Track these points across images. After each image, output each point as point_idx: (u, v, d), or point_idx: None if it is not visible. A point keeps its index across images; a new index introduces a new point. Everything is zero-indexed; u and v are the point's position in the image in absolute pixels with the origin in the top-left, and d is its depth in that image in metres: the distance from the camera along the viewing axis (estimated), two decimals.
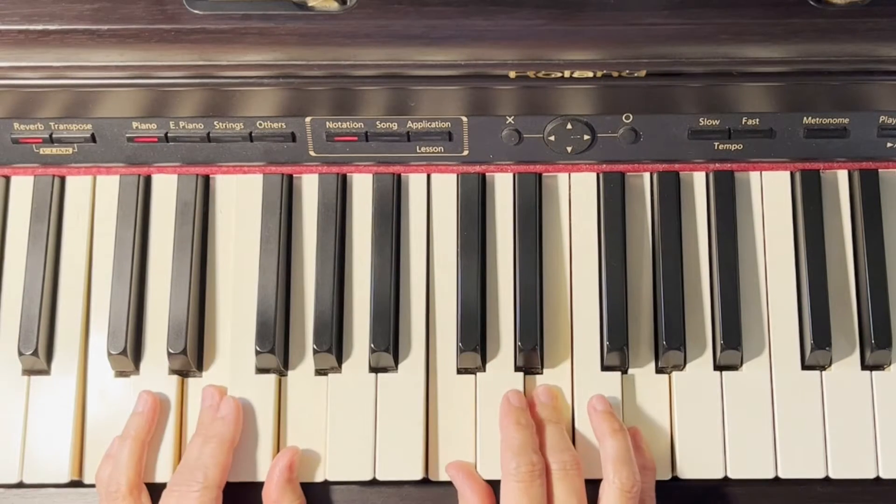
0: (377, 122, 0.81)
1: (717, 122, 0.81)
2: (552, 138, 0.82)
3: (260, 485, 0.78)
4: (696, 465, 0.79)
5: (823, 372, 0.80)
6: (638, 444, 0.78)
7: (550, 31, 0.73)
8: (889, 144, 0.82)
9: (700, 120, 0.81)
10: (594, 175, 0.84)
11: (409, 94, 0.79)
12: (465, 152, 0.83)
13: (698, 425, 0.79)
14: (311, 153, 0.83)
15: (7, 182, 0.84)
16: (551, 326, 0.81)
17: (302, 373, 0.81)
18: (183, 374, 0.82)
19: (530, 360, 0.80)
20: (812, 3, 0.72)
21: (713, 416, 0.79)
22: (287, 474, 0.77)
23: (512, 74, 0.76)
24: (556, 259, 0.83)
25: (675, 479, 0.79)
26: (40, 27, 0.73)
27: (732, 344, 0.79)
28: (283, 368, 0.81)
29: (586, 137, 0.82)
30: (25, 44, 0.73)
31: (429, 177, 0.84)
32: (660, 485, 0.79)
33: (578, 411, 0.80)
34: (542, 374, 0.81)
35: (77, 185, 0.84)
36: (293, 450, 0.78)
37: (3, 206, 0.84)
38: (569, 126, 0.81)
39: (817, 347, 0.79)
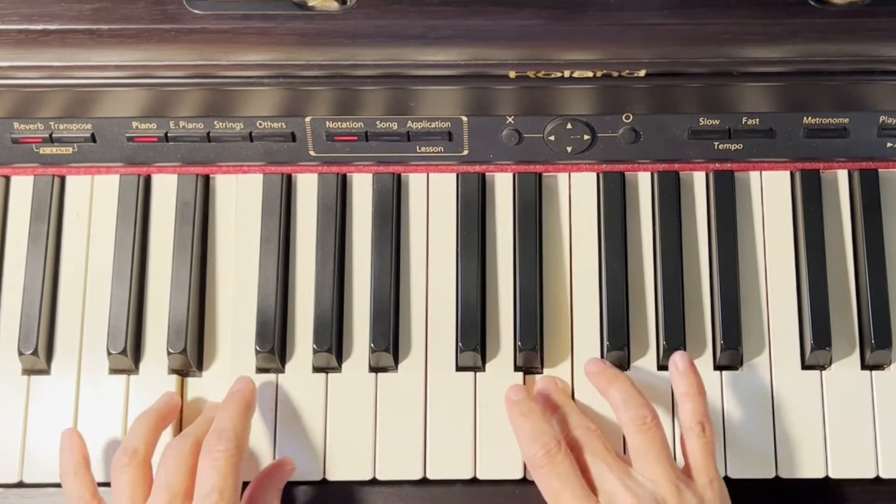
0: (377, 122, 0.81)
1: (717, 122, 0.81)
2: (552, 138, 0.82)
3: None
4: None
5: (823, 372, 0.80)
6: (681, 371, 0.77)
7: (550, 31, 0.73)
8: (889, 144, 0.82)
9: (700, 120, 0.81)
10: (594, 175, 0.84)
11: (409, 94, 0.79)
12: (465, 152, 0.83)
13: None
14: (311, 153, 0.83)
15: (7, 182, 0.84)
16: (551, 326, 0.81)
17: (302, 373, 0.81)
18: (182, 373, 0.82)
19: (530, 360, 0.80)
20: (812, 3, 0.72)
21: (713, 415, 0.79)
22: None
23: (512, 74, 0.76)
24: (556, 259, 0.83)
25: None
26: (40, 27, 0.73)
27: (732, 344, 0.79)
28: (282, 368, 0.81)
29: (586, 137, 0.82)
30: (25, 44, 0.73)
31: (429, 177, 0.84)
32: None
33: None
34: (542, 373, 0.81)
35: (77, 185, 0.84)
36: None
37: (3, 206, 0.84)
38: (569, 126, 0.81)
39: (817, 347, 0.79)
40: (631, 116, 0.81)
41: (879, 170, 0.83)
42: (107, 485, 0.77)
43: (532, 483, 0.79)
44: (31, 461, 0.80)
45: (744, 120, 0.81)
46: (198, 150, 0.83)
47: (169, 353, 0.80)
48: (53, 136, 0.82)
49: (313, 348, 0.80)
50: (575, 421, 0.76)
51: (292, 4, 0.73)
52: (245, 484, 0.78)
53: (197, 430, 0.76)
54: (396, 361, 0.81)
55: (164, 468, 0.73)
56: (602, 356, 0.80)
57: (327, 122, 0.81)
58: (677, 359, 0.77)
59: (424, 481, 0.79)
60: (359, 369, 0.81)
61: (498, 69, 0.75)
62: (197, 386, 0.81)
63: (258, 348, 0.80)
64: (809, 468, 0.78)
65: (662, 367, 0.81)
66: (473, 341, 0.80)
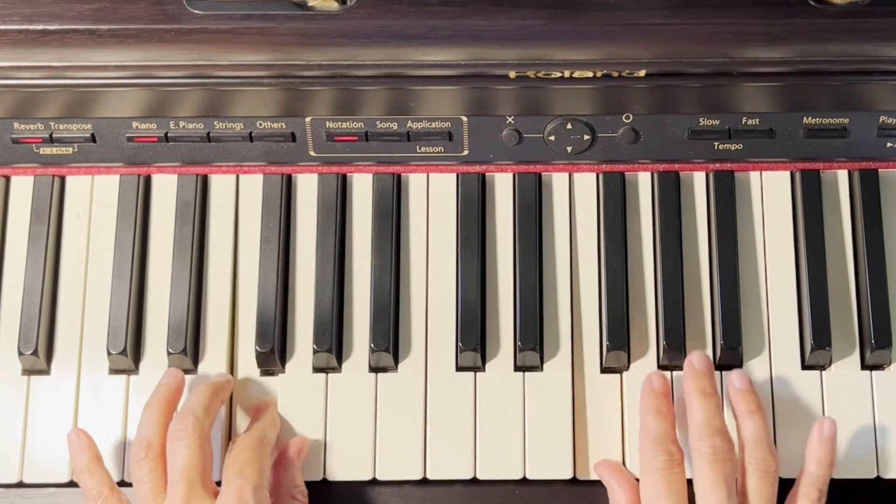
0: (377, 122, 0.81)
1: (717, 122, 0.81)
2: (552, 138, 0.82)
3: None
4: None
5: (823, 372, 0.80)
6: (825, 437, 0.76)
7: (550, 31, 0.73)
8: (889, 144, 0.82)
9: (700, 120, 0.81)
10: (594, 175, 0.84)
11: (409, 94, 0.79)
12: (465, 152, 0.83)
13: None
14: (311, 153, 0.83)
15: (7, 182, 0.84)
16: (551, 326, 0.81)
17: (302, 373, 0.81)
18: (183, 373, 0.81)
19: (530, 359, 0.80)
20: (812, 3, 0.72)
21: None
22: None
23: (512, 74, 0.76)
24: (556, 259, 0.83)
25: None
26: (40, 27, 0.73)
27: (732, 344, 0.79)
28: (283, 368, 0.81)
29: (586, 137, 0.82)
30: (25, 44, 0.73)
31: (429, 177, 0.84)
32: None
33: (589, 411, 0.80)
34: (542, 372, 0.81)
35: (77, 185, 0.84)
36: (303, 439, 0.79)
37: (3, 206, 0.84)
38: (569, 126, 0.81)
39: (817, 347, 0.79)
40: (631, 116, 0.81)
41: (879, 170, 0.83)
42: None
43: (532, 483, 0.79)
44: (31, 461, 0.80)
45: (744, 120, 0.81)
46: (198, 150, 0.83)
47: (169, 354, 0.80)
48: (53, 136, 0.82)
49: (313, 348, 0.80)
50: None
51: (292, 4, 0.73)
52: None
53: (195, 407, 0.75)
54: (396, 361, 0.81)
55: (174, 456, 0.74)
56: (602, 356, 0.80)
57: (327, 122, 0.81)
58: (826, 425, 0.76)
59: (424, 481, 0.79)
60: (359, 369, 0.81)
61: (498, 69, 0.75)
62: (194, 385, 0.81)
63: (258, 348, 0.80)
64: None
65: (662, 366, 0.81)
66: (473, 341, 0.80)
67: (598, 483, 0.78)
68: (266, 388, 0.81)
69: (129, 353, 0.80)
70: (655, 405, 0.76)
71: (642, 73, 0.76)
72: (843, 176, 0.84)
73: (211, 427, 0.76)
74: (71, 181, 0.84)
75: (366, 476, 0.79)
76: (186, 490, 0.72)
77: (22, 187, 0.84)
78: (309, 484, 0.79)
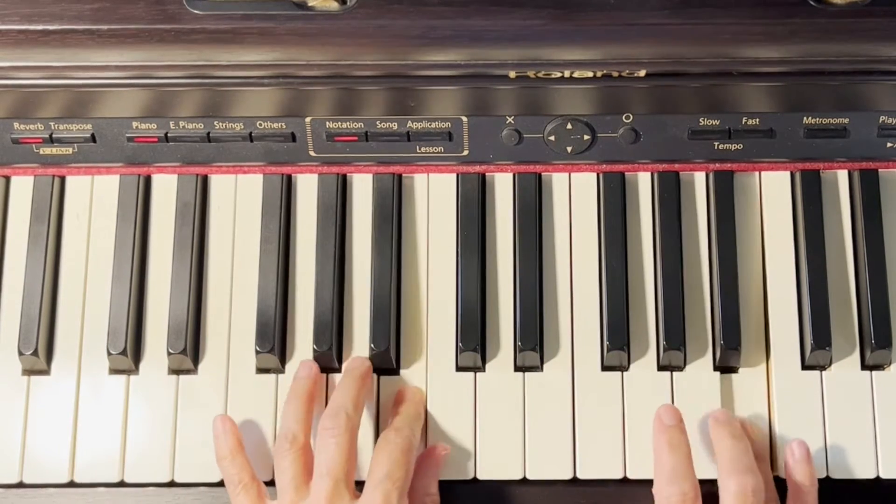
0: (377, 122, 0.81)
1: (717, 122, 0.81)
2: (552, 138, 0.82)
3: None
4: (697, 465, 0.79)
5: (823, 372, 0.80)
6: (798, 459, 0.77)
7: (550, 31, 0.73)
8: (889, 144, 0.82)
9: (700, 120, 0.81)
10: (594, 175, 0.84)
11: (409, 94, 0.79)
12: (465, 152, 0.83)
13: (697, 425, 0.79)
14: (311, 153, 0.83)
15: (7, 182, 0.84)
16: (551, 326, 0.81)
17: None
18: (182, 373, 0.81)
19: (530, 359, 0.80)
20: (812, 3, 0.72)
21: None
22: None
23: (512, 74, 0.76)
24: (556, 259, 0.83)
25: None
26: (40, 27, 0.73)
27: (732, 344, 0.79)
28: (282, 368, 0.81)
29: (586, 137, 0.82)
30: (25, 44, 0.73)
31: (429, 177, 0.84)
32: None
33: (589, 411, 0.80)
34: (542, 372, 0.81)
35: (77, 185, 0.84)
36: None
37: (3, 206, 0.84)
38: (569, 126, 0.81)
39: (817, 347, 0.79)
40: (631, 116, 0.81)
41: (879, 170, 0.83)
42: (110, 484, 0.77)
43: (533, 483, 0.79)
44: (31, 461, 0.80)
45: (744, 120, 0.81)
46: (198, 151, 0.83)
47: (169, 354, 0.80)
48: (53, 136, 0.82)
49: (313, 349, 0.80)
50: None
51: (292, 4, 0.73)
52: None
53: (346, 405, 0.76)
54: (397, 362, 0.81)
55: (323, 452, 0.74)
56: (602, 356, 0.80)
57: (327, 123, 0.81)
58: (795, 447, 0.77)
59: None
60: None
61: (498, 69, 0.75)
62: (194, 385, 0.81)
63: (258, 348, 0.80)
64: None
65: (663, 367, 0.81)
66: (473, 341, 0.80)
67: (599, 483, 0.78)
68: (265, 389, 0.81)
69: (130, 354, 0.80)
70: (668, 439, 0.75)
71: (642, 73, 0.76)
72: (843, 176, 0.84)
73: (359, 423, 0.76)
74: (71, 181, 0.84)
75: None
76: (331, 487, 0.72)
77: (22, 187, 0.84)
78: None
